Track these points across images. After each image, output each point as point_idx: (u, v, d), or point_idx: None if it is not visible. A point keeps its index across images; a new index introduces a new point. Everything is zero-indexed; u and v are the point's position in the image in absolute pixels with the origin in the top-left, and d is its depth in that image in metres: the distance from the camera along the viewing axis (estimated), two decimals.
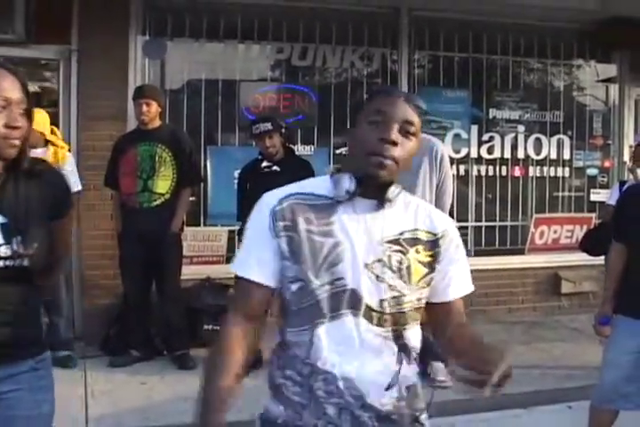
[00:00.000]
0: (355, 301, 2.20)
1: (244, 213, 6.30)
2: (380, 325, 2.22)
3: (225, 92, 7.64)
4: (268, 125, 6.10)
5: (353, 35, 7.98)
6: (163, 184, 6.26)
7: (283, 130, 6.24)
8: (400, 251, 2.26)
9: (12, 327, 2.37)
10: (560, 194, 8.91)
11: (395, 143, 2.19)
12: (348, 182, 2.22)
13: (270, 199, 2.30)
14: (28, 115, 2.34)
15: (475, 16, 8.13)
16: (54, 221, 2.48)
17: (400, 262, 2.25)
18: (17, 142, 2.30)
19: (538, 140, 8.73)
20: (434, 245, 2.31)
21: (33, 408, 2.46)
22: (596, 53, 8.95)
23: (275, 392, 2.32)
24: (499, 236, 8.61)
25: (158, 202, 6.27)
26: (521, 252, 8.65)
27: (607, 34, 8.37)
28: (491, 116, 8.58)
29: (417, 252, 2.28)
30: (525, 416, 5.32)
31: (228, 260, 7.38)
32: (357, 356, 2.21)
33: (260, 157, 6.24)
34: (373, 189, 2.22)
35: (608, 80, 9.14)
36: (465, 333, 2.29)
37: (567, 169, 8.90)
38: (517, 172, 8.67)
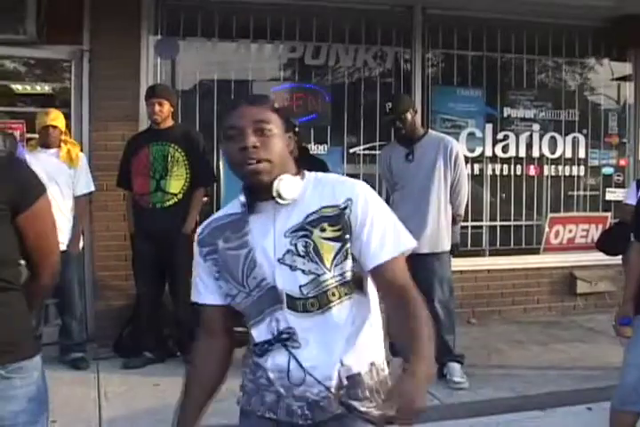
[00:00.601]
0: (276, 295, 2.30)
1: None
2: (306, 310, 2.29)
3: (237, 92, 7.58)
4: None
5: (366, 33, 7.92)
6: (176, 184, 6.22)
7: (296, 129, 6.15)
8: (304, 235, 2.29)
9: None
10: (575, 193, 8.84)
11: (255, 147, 2.26)
12: (241, 197, 2.37)
13: (197, 231, 2.52)
14: None
15: (489, 14, 8.05)
16: (19, 216, 2.33)
17: (305, 246, 2.29)
18: None
19: (553, 139, 8.66)
20: (339, 217, 2.29)
21: (5, 420, 2.33)
22: (611, 51, 8.87)
23: (241, 380, 2.52)
24: (514, 235, 8.54)
25: (171, 202, 6.23)
26: (536, 251, 8.57)
27: (622, 31, 8.31)
28: (505, 115, 8.51)
29: (322, 230, 2.29)
30: (544, 418, 5.24)
31: None
32: (289, 347, 2.31)
33: None
34: (264, 192, 2.30)
35: (623, 78, 9.06)
36: (400, 318, 2.21)
37: (582, 168, 8.84)
38: (532, 171, 8.60)
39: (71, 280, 6.29)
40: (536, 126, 8.63)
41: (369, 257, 2.28)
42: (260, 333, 2.37)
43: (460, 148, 6.09)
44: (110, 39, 6.88)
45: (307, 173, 2.44)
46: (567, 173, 8.76)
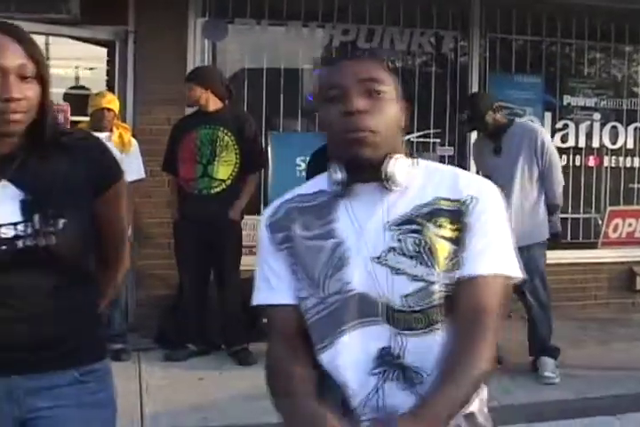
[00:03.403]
0: (370, 306, 1.84)
1: None
2: (410, 327, 1.83)
3: (287, 76, 7.37)
4: None
5: (421, 16, 7.63)
6: (224, 170, 5.99)
7: None
8: (415, 230, 1.86)
9: (34, 326, 2.01)
10: (636, 186, 8.52)
11: (360, 111, 1.84)
12: (336, 172, 1.92)
13: (266, 213, 2.06)
14: (40, 81, 2.00)
15: None
16: (97, 197, 2.15)
17: (417, 244, 1.85)
18: (16, 117, 1.95)
19: (614, 129, 8.35)
20: (459, 214, 1.88)
21: None
22: None
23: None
24: (570, 229, 8.23)
25: (219, 189, 6.00)
26: (594, 246, 8.29)
27: None
28: (565, 103, 8.21)
29: (438, 226, 1.86)
30: (615, 423, 4.95)
31: None
32: (388, 377, 1.84)
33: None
34: (367, 171, 1.89)
35: None
36: (454, 345, 1.80)
37: None
38: (592, 161, 8.31)
39: (124, 270, 6.11)
40: (597, 115, 8.32)
41: (463, 264, 1.87)
42: (347, 355, 1.86)
43: (547, 136, 5.90)
44: (156, 20, 6.71)
45: (420, 159, 2.01)
46: (628, 165, 8.46)
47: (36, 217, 2.00)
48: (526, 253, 5.63)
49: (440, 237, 1.86)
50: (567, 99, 8.22)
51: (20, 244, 1.98)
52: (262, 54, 7.36)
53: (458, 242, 1.86)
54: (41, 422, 2.06)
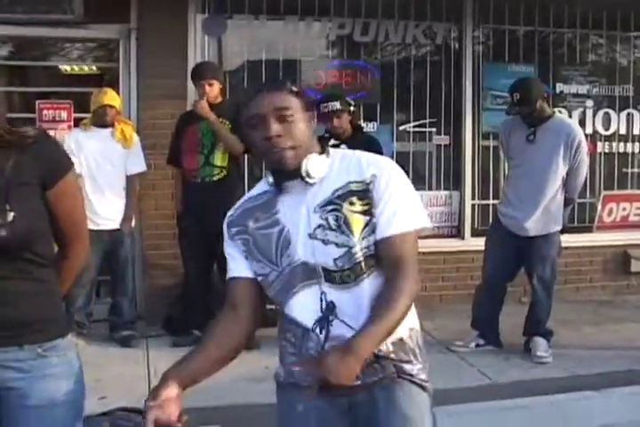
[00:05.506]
0: (311, 270, 2.36)
1: None
2: (344, 282, 2.34)
3: (286, 70, 7.53)
4: (337, 104, 6.09)
5: (415, 9, 7.78)
6: (223, 157, 6.17)
7: (351, 108, 6.15)
8: (334, 209, 2.36)
9: None
10: (629, 170, 8.66)
11: (279, 135, 2.30)
12: (269, 178, 2.44)
13: (229, 212, 2.56)
14: None
15: None
16: (48, 191, 2.30)
17: (336, 220, 2.35)
18: None
19: (606, 115, 8.50)
20: (366, 191, 2.36)
21: (45, 398, 2.31)
22: None
23: (279, 355, 2.54)
24: None
25: (220, 175, 6.18)
26: (589, 230, 8.44)
27: None
28: (558, 91, 8.31)
29: (351, 203, 2.36)
30: (599, 398, 5.14)
31: None
32: (332, 319, 2.34)
33: (326, 135, 6.16)
34: (291, 172, 2.36)
35: None
36: (383, 289, 2.33)
37: (637, 144, 8.65)
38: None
39: (125, 259, 6.35)
40: (589, 102, 8.45)
41: (378, 229, 2.35)
42: (300, 307, 2.39)
43: (582, 135, 6.05)
44: (157, 17, 6.87)
45: (331, 150, 2.48)
46: (621, 150, 8.60)
47: None
48: (544, 240, 5.95)
49: (353, 212, 2.35)
50: (560, 86, 8.34)
51: None
52: (261, 49, 7.51)
53: (370, 213, 2.35)
54: (11, 393, 2.29)
